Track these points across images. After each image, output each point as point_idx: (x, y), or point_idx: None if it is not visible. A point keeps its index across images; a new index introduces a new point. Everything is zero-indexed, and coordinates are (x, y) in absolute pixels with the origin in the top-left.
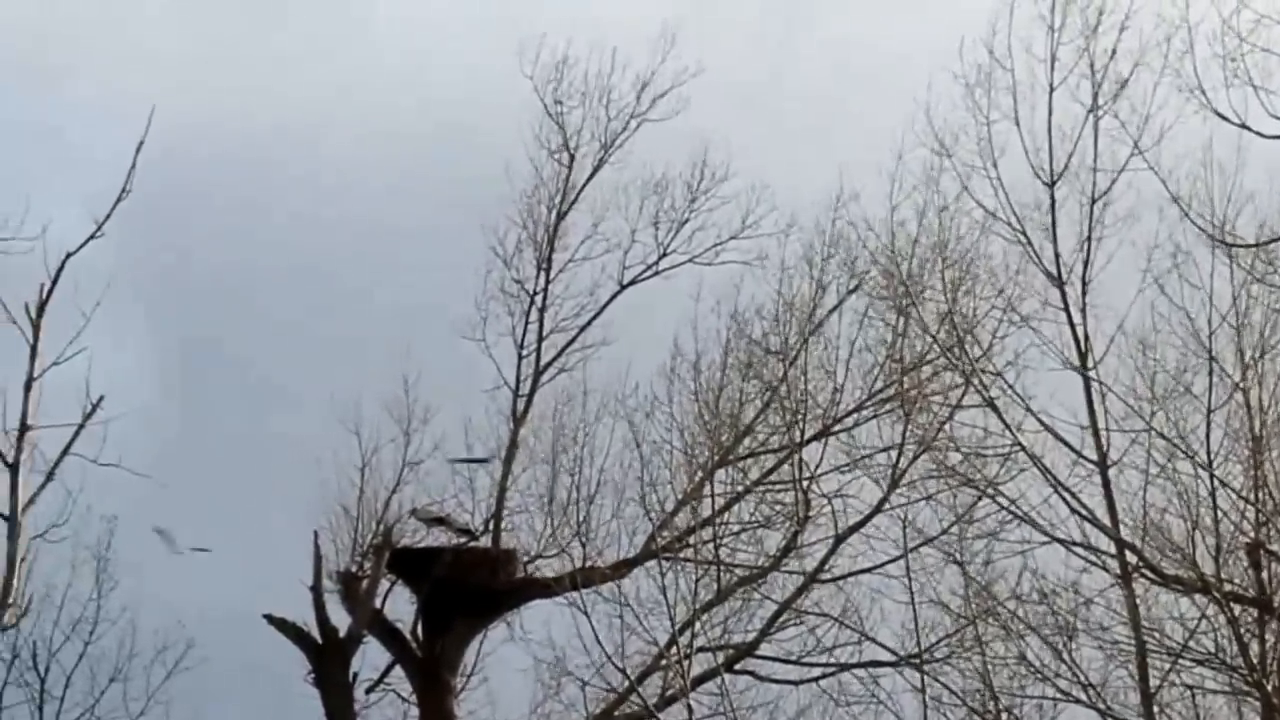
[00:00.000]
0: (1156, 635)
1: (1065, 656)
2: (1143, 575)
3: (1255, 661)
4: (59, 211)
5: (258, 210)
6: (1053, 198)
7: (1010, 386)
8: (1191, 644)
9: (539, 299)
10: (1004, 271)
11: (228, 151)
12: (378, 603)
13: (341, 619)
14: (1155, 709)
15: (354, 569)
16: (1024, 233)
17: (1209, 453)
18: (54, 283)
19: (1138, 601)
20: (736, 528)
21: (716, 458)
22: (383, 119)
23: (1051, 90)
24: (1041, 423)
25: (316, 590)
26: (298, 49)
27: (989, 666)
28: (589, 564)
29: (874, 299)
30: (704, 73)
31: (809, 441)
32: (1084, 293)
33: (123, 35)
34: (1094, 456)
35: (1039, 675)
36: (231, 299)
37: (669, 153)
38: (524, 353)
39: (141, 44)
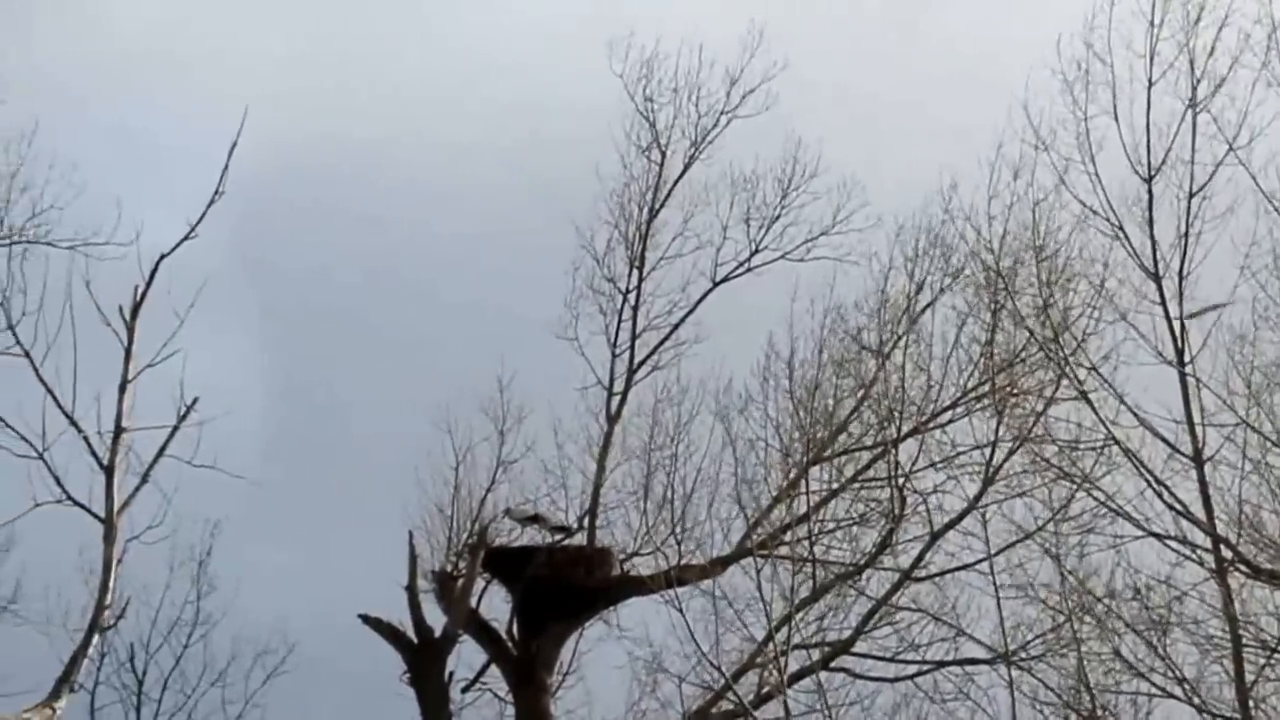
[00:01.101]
0: (1252, 630)
1: (1160, 652)
2: (1238, 570)
3: None
4: (152, 214)
5: (352, 215)
6: (1150, 192)
7: (1105, 381)
8: None
9: (632, 297)
10: (1100, 266)
11: (324, 157)
12: (473, 602)
13: (437, 619)
14: (1251, 704)
15: (449, 568)
16: (1121, 227)
17: None
18: (148, 285)
19: (1233, 596)
20: (831, 525)
21: (811, 455)
22: (470, 123)
23: (1150, 85)
24: (1137, 417)
25: (412, 590)
26: (385, 54)
27: (1084, 662)
28: (685, 561)
29: (969, 294)
30: (793, 68)
31: (904, 438)
32: (1180, 287)
33: (218, 39)
34: (1189, 451)
35: (1134, 671)
36: (330, 303)
37: (759, 149)
38: (617, 351)
39: (238, 47)
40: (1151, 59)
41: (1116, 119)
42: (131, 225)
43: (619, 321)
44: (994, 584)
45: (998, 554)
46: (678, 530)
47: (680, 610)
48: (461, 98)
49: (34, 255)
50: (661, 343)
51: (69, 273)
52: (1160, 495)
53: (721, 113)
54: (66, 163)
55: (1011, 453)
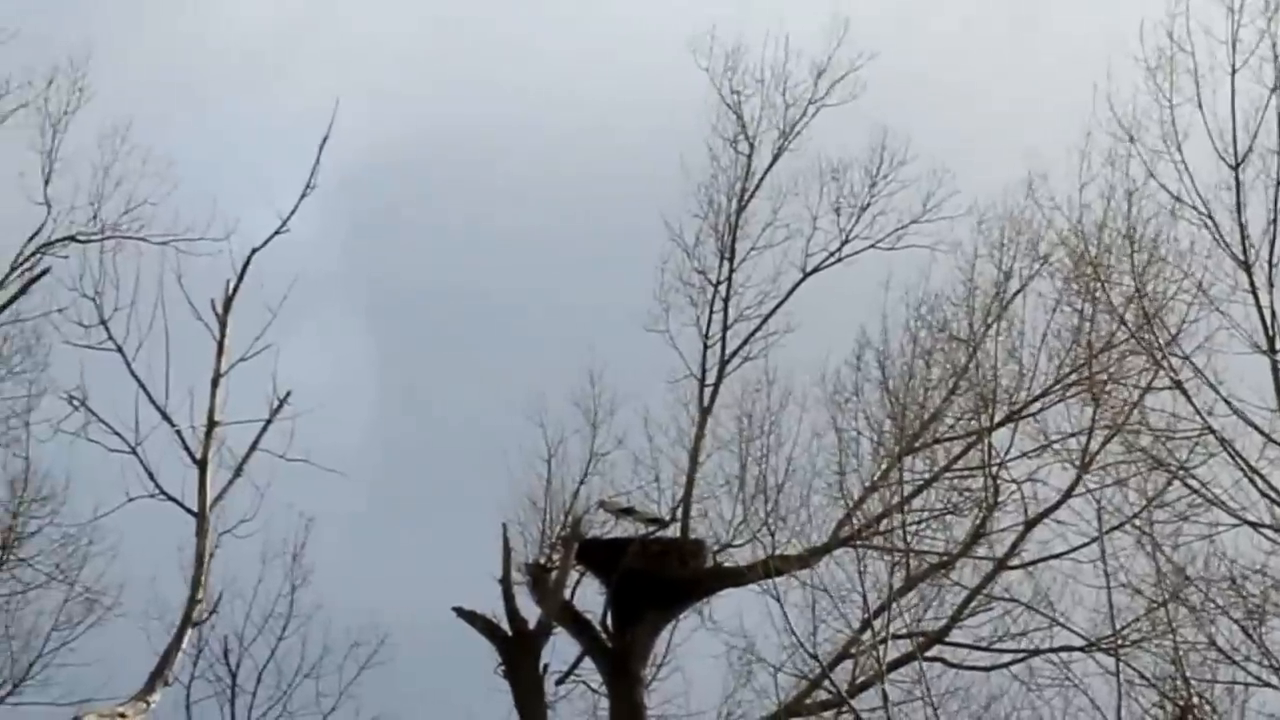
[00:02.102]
0: None
1: (1256, 640)
2: None
3: None
4: (247, 211)
5: (455, 210)
6: (1238, 180)
7: (1199, 370)
8: None
9: (722, 288)
10: (1191, 254)
11: (429, 151)
12: (567, 594)
13: (531, 611)
14: None
15: (543, 561)
16: (1210, 216)
17: None
18: (239, 279)
19: None
20: (925, 514)
21: (905, 444)
22: (556, 119)
23: (1233, 72)
24: (1231, 406)
25: (506, 582)
26: (472, 57)
27: (1179, 651)
28: (779, 552)
29: (1060, 281)
30: (879, 56)
31: (997, 426)
32: (1270, 275)
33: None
34: None
35: (1229, 659)
36: (432, 299)
37: (846, 138)
38: (709, 342)
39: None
40: (1233, 46)
41: (1201, 107)
42: (228, 221)
43: (710, 313)
44: (1100, 572)
45: (1093, 542)
46: (772, 520)
47: (778, 599)
48: (557, 92)
49: (127, 250)
50: (753, 333)
51: (161, 268)
52: (1255, 484)
53: (809, 102)
54: (162, 158)
55: (1106, 441)
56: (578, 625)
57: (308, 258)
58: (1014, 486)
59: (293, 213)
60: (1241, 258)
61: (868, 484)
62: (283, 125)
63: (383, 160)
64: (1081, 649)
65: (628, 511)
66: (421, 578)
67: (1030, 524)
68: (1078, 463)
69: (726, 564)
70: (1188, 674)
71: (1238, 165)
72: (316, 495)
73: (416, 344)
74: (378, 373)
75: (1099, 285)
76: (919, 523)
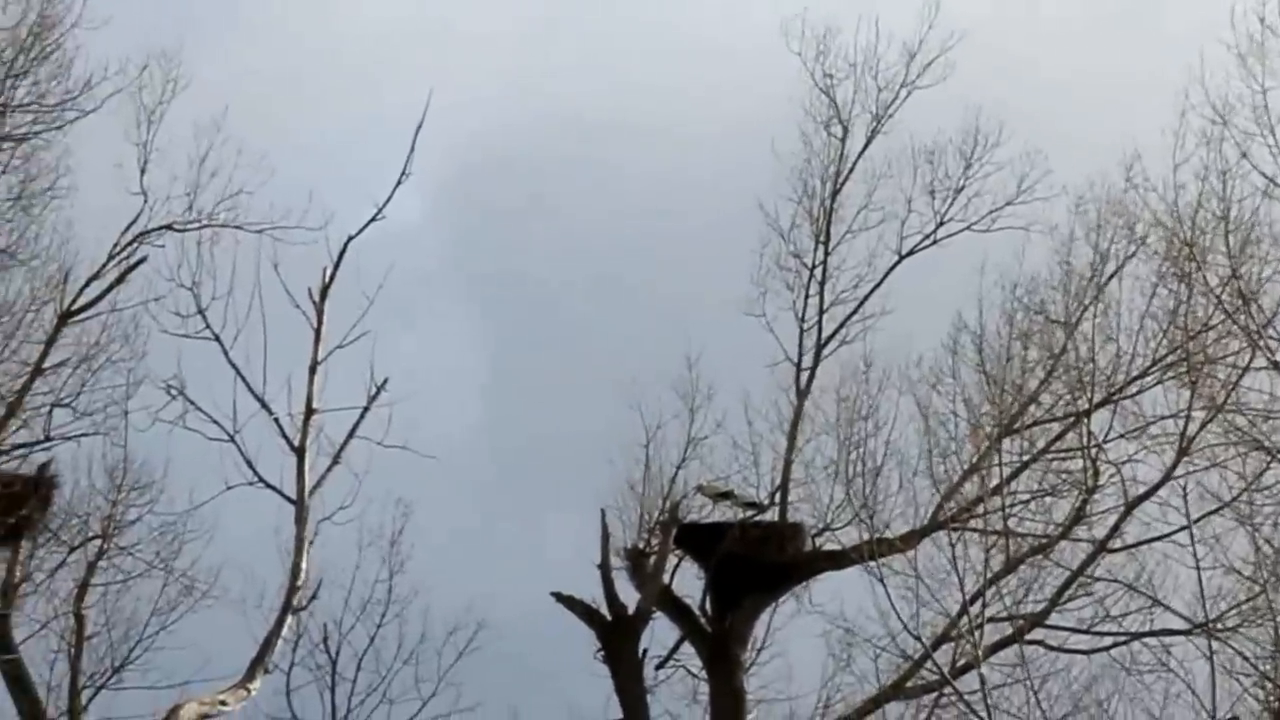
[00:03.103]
0: None
1: None
2: None
3: None
4: (346, 203)
5: (546, 202)
6: None
7: None
8: None
9: (818, 272)
10: None
11: (524, 147)
12: (666, 579)
13: (630, 596)
14: None
15: (641, 545)
16: None
17: None
18: (336, 268)
19: None
20: (1024, 497)
21: (1002, 427)
22: (652, 107)
23: None
24: None
25: (605, 568)
26: (572, 49)
27: None
28: (877, 535)
29: (1157, 263)
30: (970, 36)
31: (1095, 408)
32: None
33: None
34: None
35: None
36: (536, 286)
37: (939, 120)
38: (805, 326)
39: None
40: None
41: None
42: (324, 210)
43: (806, 297)
44: (1192, 554)
45: (1194, 524)
46: (870, 504)
47: (882, 581)
48: (653, 79)
49: (223, 240)
50: (849, 317)
51: (258, 257)
52: None
53: (901, 85)
54: (258, 150)
55: (1205, 424)
56: (677, 610)
57: (419, 249)
58: (1113, 469)
59: (388, 200)
60: None
61: (966, 467)
62: (388, 117)
63: (488, 153)
64: (1184, 632)
65: (726, 495)
66: (521, 564)
67: (1130, 506)
68: (1176, 445)
69: (826, 547)
70: None
71: None
72: (414, 483)
73: (520, 332)
74: (483, 361)
75: (1195, 267)
76: (1018, 505)
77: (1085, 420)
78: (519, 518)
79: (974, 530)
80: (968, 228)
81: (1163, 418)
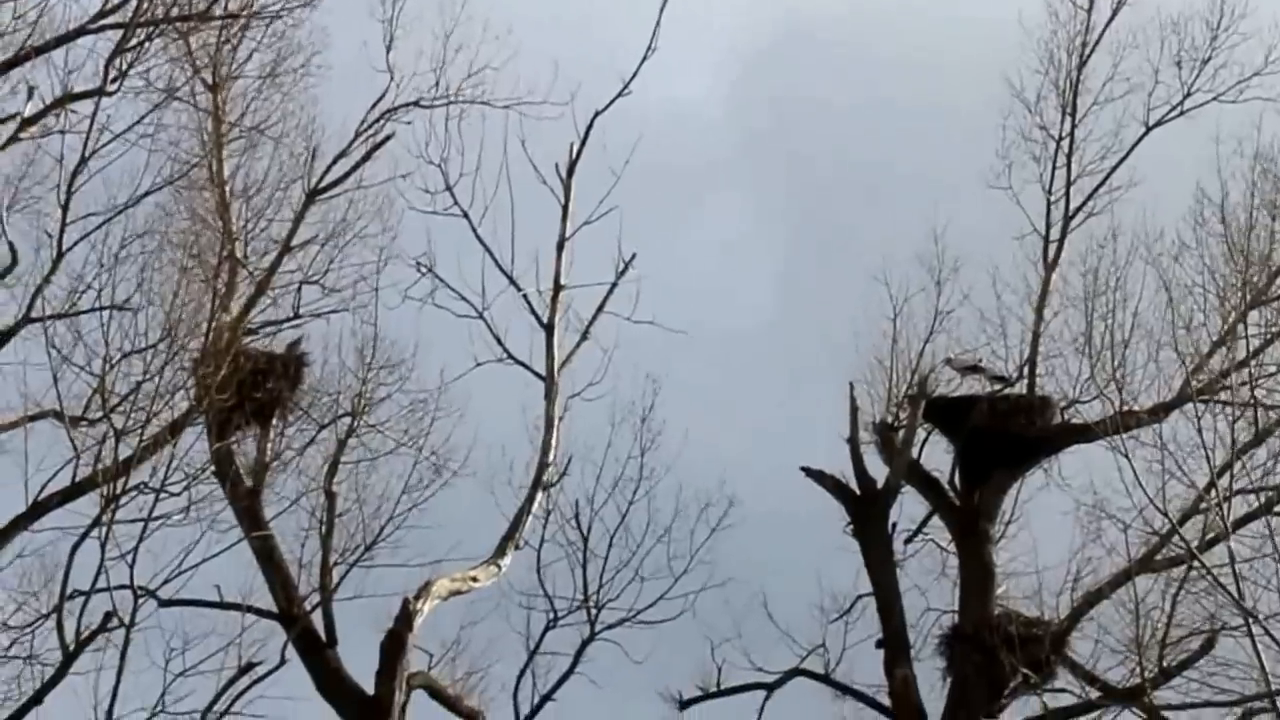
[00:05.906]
0: None
1: None
2: None
3: None
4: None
5: (821, 88)
6: None
7: None
8: None
9: (1065, 144)
10: None
11: (794, 35)
12: (914, 453)
13: (879, 470)
14: None
15: (890, 420)
16: None
17: None
18: (583, 143)
19: None
20: (1272, 369)
21: (1250, 299)
22: None
23: None
24: None
25: (853, 442)
26: None
27: None
28: (1126, 409)
29: None
30: None
31: None
32: None
33: None
34: None
35: None
36: (807, 169)
37: None
38: (1052, 198)
39: None
40: None
41: None
42: (570, 85)
43: (1053, 169)
44: None
45: None
46: (1118, 377)
47: (1126, 455)
48: None
49: (470, 116)
50: (1096, 189)
51: (505, 133)
52: None
53: None
54: (503, 25)
55: None
56: (925, 484)
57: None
58: None
59: (634, 76)
60: None
61: (1214, 339)
62: None
63: (772, 41)
64: None
65: (974, 369)
66: (770, 438)
67: None
68: None
69: (1074, 421)
70: None
71: None
72: (663, 360)
73: (793, 213)
74: (757, 242)
75: None
76: (1267, 376)
77: None
78: (768, 393)
79: (1221, 402)
80: (1215, 99)
81: None
